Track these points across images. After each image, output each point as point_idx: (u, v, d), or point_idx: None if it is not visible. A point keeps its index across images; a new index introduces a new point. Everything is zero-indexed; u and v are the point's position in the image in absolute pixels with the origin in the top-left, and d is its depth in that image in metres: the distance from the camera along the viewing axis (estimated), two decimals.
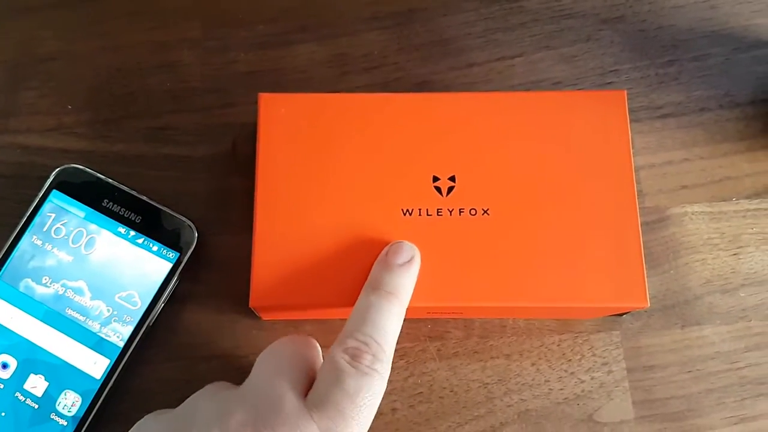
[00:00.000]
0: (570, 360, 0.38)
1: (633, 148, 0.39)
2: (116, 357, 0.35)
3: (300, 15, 0.43)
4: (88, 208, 0.37)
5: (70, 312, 0.36)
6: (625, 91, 0.36)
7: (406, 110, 0.36)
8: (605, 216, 0.34)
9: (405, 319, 0.38)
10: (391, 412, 0.37)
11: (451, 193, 0.35)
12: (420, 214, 0.34)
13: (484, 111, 0.36)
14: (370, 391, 0.27)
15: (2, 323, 0.36)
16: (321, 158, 0.35)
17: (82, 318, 0.36)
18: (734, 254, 0.40)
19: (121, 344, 0.36)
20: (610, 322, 0.38)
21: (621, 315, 0.38)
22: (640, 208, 0.36)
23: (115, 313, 0.36)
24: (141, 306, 0.36)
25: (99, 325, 0.36)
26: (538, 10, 0.43)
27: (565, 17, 0.43)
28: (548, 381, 0.37)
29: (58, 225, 0.37)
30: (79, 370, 0.35)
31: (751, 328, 0.39)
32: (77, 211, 0.37)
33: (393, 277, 0.31)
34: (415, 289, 0.33)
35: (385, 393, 0.36)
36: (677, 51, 0.43)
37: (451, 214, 0.34)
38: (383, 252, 0.32)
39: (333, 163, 0.35)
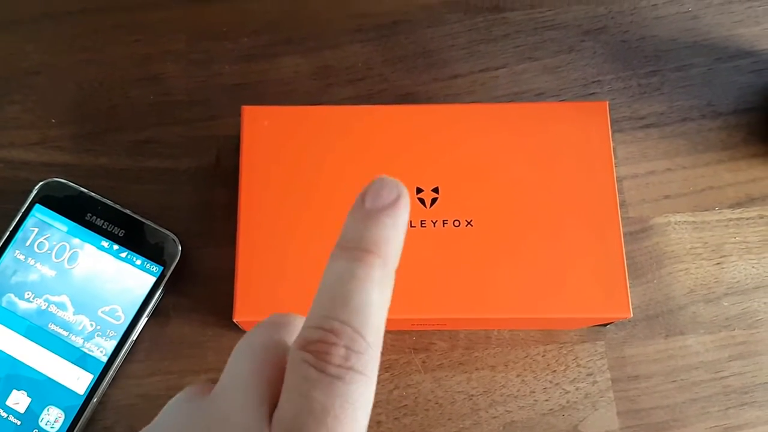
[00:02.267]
0: (555, 371, 0.38)
1: (616, 158, 0.40)
2: (99, 372, 0.35)
3: (284, 28, 0.43)
4: (71, 222, 0.37)
5: (53, 327, 0.36)
6: (607, 102, 0.36)
7: (389, 122, 0.36)
8: (588, 227, 0.35)
9: (388, 331, 0.38)
10: (376, 425, 0.37)
11: (435, 204, 0.35)
12: None
13: (468, 122, 0.36)
14: (347, 403, 0.19)
15: None
16: (305, 170, 0.35)
17: (65, 333, 0.35)
18: (717, 263, 0.40)
19: (105, 359, 0.35)
20: (595, 333, 0.39)
21: (605, 325, 0.38)
22: (623, 218, 0.36)
23: (99, 327, 0.36)
24: (124, 320, 0.36)
25: (82, 340, 0.35)
26: (521, 22, 0.43)
27: (547, 28, 0.43)
28: (533, 392, 0.38)
29: (41, 239, 0.37)
30: (62, 385, 0.35)
31: (735, 337, 0.39)
32: (60, 225, 0.37)
33: (370, 228, 0.21)
34: (399, 301, 0.33)
35: None
36: (659, 61, 0.43)
37: (434, 226, 0.34)
38: (359, 196, 0.23)
39: (317, 175, 0.35)
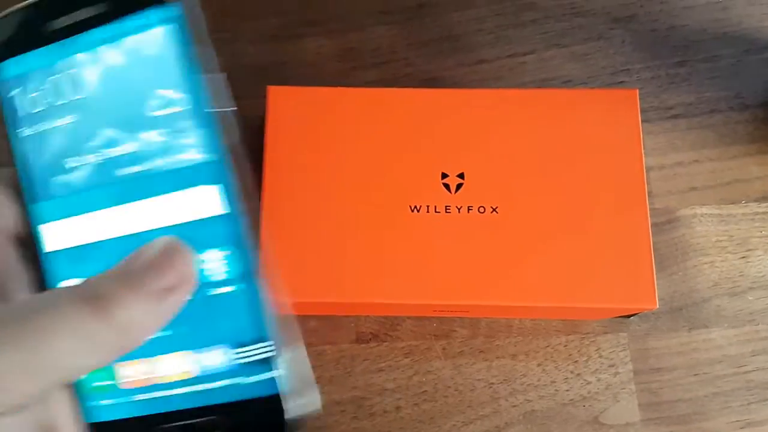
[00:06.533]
0: (576, 361, 0.37)
1: (643, 148, 0.39)
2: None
3: (309, 9, 0.42)
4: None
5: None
6: (637, 90, 0.36)
7: (415, 105, 0.35)
8: (615, 216, 0.34)
9: (411, 317, 0.38)
10: (395, 410, 0.36)
11: (460, 190, 0.34)
12: (428, 211, 0.34)
13: (495, 108, 0.35)
14: None
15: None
16: (329, 153, 0.35)
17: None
18: (743, 257, 0.39)
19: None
20: (617, 324, 0.38)
21: (628, 316, 0.38)
22: (649, 209, 0.36)
23: None
24: None
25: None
26: (549, 8, 0.43)
27: (576, 15, 0.43)
28: (554, 382, 0.37)
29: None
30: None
31: (759, 331, 0.38)
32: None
33: None
34: (422, 287, 0.33)
35: (389, 390, 0.36)
36: (688, 52, 0.42)
37: (459, 212, 0.34)
38: None
39: (341, 158, 0.34)
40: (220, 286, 0.23)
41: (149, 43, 0.24)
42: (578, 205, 0.34)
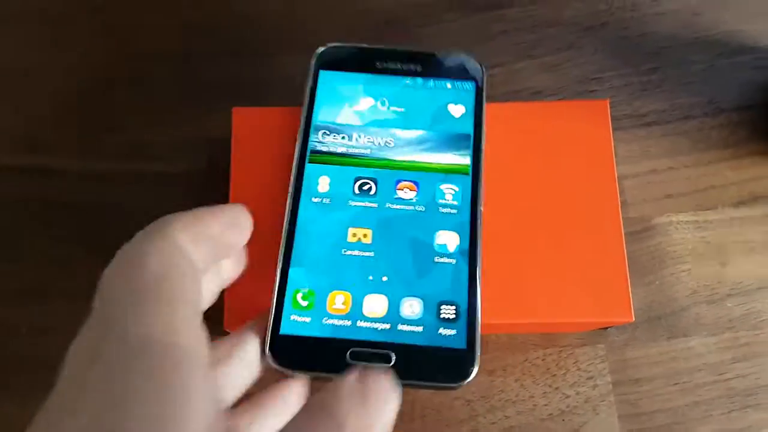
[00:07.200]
0: (554, 375, 0.37)
1: (616, 156, 0.39)
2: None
3: (276, 29, 0.42)
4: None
5: None
6: (608, 101, 0.35)
7: None
8: (589, 229, 0.34)
9: None
10: None
11: None
12: None
13: None
14: None
15: None
16: None
17: None
18: (720, 264, 0.39)
19: None
20: (595, 336, 0.38)
21: (606, 328, 0.38)
22: (624, 218, 0.36)
23: None
24: None
25: None
26: (518, 19, 0.42)
27: (547, 26, 0.42)
28: (533, 397, 0.37)
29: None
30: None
31: (738, 338, 0.38)
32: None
33: None
34: None
35: None
36: (660, 58, 0.42)
37: None
38: None
39: None
40: (446, 257, 0.29)
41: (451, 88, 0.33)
42: (551, 218, 0.34)
